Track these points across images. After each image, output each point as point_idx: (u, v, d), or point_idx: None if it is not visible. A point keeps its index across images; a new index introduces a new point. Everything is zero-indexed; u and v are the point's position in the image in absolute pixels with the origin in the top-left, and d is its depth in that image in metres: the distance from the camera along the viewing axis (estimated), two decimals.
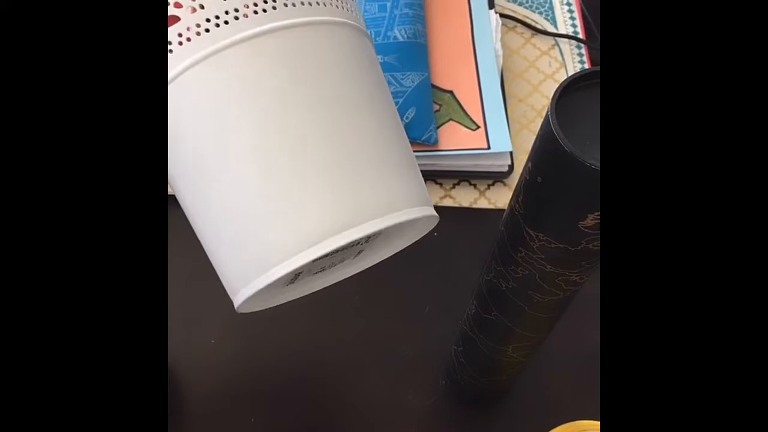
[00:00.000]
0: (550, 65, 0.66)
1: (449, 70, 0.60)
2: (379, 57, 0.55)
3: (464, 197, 0.57)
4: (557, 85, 0.62)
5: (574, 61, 0.66)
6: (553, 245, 0.28)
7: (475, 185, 0.58)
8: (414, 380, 0.49)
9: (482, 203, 0.57)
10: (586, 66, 0.66)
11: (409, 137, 0.53)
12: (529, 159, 0.28)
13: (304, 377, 0.48)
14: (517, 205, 0.29)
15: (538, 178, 0.27)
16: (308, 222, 0.22)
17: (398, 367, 0.49)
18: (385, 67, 0.55)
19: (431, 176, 0.57)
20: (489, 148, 0.55)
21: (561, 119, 0.25)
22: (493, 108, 0.58)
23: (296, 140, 0.21)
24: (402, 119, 0.53)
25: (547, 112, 0.25)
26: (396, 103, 0.53)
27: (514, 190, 0.30)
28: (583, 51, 0.67)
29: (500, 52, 0.62)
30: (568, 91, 0.26)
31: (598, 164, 0.24)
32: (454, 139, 0.56)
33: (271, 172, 0.22)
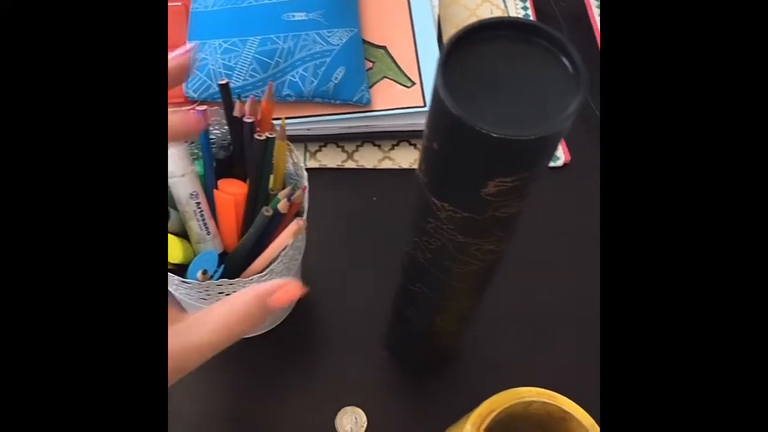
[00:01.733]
0: (491, 13, 0.63)
1: (382, 24, 0.56)
2: (303, 14, 0.52)
3: (404, 158, 0.54)
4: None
5: (517, 8, 0.63)
6: (458, 215, 0.26)
7: (415, 145, 0.55)
8: (356, 354, 0.47)
9: None
10: (530, 14, 0.63)
11: (338, 99, 0.51)
12: (426, 124, 0.25)
13: (244, 352, 0.47)
14: (420, 174, 0.27)
15: (434, 144, 0.25)
16: None
17: (340, 341, 0.48)
18: (310, 25, 0.51)
19: (368, 138, 0.55)
20: (425, 105, 0.52)
21: (453, 78, 0.23)
22: (429, 63, 0.55)
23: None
24: (330, 80, 0.50)
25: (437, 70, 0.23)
26: (322, 64, 0.50)
27: (419, 158, 0.28)
28: None
29: (436, 1, 0.59)
30: (463, 44, 0.23)
31: (491, 129, 0.21)
32: (389, 97, 0.53)
33: None
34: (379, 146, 0.55)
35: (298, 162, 0.39)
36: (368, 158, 0.54)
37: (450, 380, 0.46)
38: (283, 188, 0.37)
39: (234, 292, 0.37)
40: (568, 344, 0.48)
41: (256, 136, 0.35)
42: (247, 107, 0.36)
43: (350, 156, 0.54)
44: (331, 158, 0.54)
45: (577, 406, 0.35)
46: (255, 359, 0.46)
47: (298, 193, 0.36)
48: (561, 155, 0.55)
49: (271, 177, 0.39)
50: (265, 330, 0.47)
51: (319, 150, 0.54)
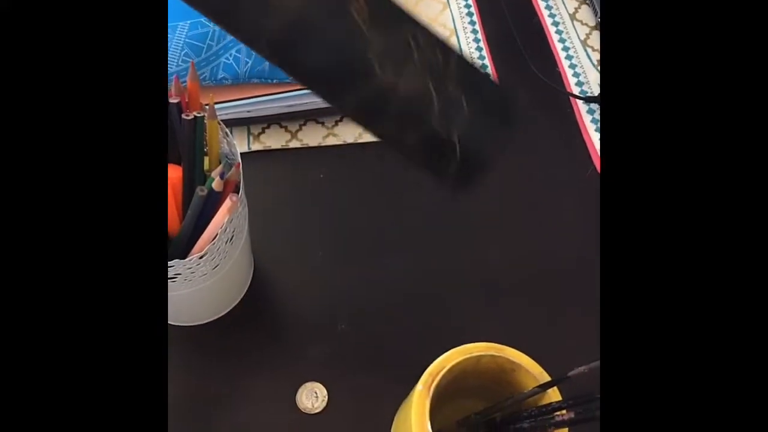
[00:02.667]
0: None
1: None
2: None
3: (348, 133, 0.54)
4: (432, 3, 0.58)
5: (467, 36, 0.63)
6: None
7: None
8: (314, 329, 0.47)
9: (366, 137, 0.54)
10: (483, 45, 0.63)
11: (275, 78, 0.51)
12: None
13: (201, 335, 0.46)
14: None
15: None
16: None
17: (297, 318, 0.48)
18: None
19: (310, 116, 0.54)
20: None
21: None
22: None
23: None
24: (264, 60, 0.50)
25: None
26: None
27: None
28: None
29: None
30: None
31: None
32: None
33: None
34: (322, 123, 0.55)
35: (230, 140, 0.38)
36: (312, 136, 0.54)
37: (410, 351, 0.46)
38: None
39: (180, 273, 0.36)
40: (519, 302, 0.48)
41: (183, 116, 0.35)
42: (172, 88, 0.36)
43: (294, 135, 0.54)
44: (275, 139, 0.54)
45: (525, 356, 0.35)
46: (212, 342, 0.46)
47: (232, 170, 0.35)
48: None
49: (207, 159, 0.38)
50: (222, 314, 0.47)
51: (263, 132, 0.54)
